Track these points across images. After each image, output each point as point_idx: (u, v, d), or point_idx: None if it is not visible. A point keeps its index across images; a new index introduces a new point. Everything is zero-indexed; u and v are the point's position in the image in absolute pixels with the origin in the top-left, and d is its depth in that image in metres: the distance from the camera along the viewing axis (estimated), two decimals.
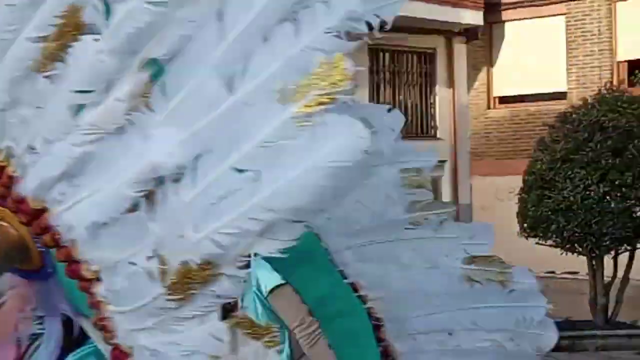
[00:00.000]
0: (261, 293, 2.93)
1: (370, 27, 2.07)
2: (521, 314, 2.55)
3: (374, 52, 14.91)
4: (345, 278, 2.59)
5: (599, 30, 17.02)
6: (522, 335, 2.53)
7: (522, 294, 2.52)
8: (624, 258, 11.38)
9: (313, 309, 2.63)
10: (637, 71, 16.97)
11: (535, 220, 11.48)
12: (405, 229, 2.49)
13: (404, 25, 14.70)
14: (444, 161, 15.85)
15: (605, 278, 11.54)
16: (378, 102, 15.10)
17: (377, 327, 2.56)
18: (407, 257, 2.54)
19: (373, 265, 2.59)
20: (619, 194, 10.98)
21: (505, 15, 17.74)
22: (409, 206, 2.47)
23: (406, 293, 2.60)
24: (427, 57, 15.79)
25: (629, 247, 11.28)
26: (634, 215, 10.96)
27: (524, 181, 11.88)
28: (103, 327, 2.43)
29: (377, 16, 2.08)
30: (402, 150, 2.44)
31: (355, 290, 2.59)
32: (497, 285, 2.56)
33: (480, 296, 2.52)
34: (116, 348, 2.44)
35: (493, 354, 2.55)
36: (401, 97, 15.49)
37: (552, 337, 2.45)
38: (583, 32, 17.18)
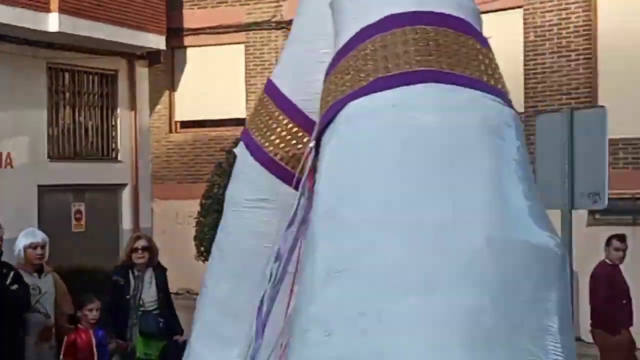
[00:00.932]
0: None
1: None
2: None
3: (54, 71, 14.50)
4: None
5: (275, 59, 17.70)
6: None
7: None
8: None
9: None
10: None
11: (212, 244, 11.69)
12: None
13: (86, 46, 14.44)
14: (124, 184, 15.70)
15: None
16: (57, 123, 14.69)
17: None
18: None
19: None
20: None
21: (187, 40, 17.95)
22: None
23: None
24: (109, 79, 15.61)
25: None
26: None
27: (202, 205, 12.05)
28: None
29: None
30: None
31: None
32: None
33: None
34: None
35: None
36: (82, 118, 15.17)
37: None
38: (261, 61, 17.78)
